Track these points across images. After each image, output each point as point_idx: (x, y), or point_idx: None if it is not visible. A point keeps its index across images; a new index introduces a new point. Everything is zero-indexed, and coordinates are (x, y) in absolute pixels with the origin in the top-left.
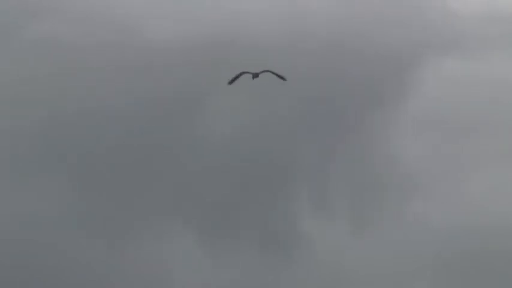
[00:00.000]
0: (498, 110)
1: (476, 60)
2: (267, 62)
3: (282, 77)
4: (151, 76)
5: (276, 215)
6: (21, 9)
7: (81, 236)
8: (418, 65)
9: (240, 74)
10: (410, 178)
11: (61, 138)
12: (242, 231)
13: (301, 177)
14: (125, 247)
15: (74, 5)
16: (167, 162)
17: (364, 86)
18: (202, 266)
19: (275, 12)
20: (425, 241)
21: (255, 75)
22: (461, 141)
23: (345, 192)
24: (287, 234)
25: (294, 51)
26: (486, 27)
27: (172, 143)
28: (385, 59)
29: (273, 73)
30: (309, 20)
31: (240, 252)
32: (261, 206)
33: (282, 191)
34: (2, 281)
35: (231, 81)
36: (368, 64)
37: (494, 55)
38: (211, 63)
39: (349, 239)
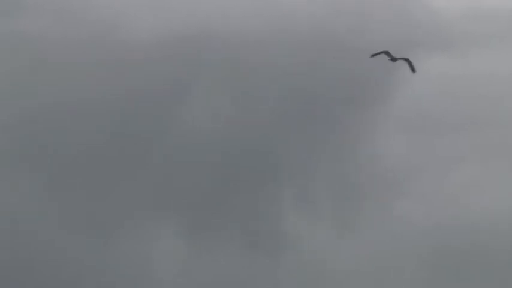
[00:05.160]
0: (483, 107)
1: (462, 58)
2: (252, 57)
3: (413, 69)
4: (134, 71)
5: (261, 213)
6: None
7: (67, 231)
8: (404, 63)
9: (381, 52)
10: (394, 176)
11: (42, 133)
12: (227, 229)
13: (286, 176)
14: (111, 243)
15: (53, 0)
16: (152, 158)
17: (350, 85)
18: (188, 264)
19: (261, 7)
20: (409, 238)
21: (394, 59)
22: (445, 138)
23: (329, 191)
24: (271, 233)
25: (279, 48)
26: (472, 25)
27: (156, 139)
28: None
29: (409, 62)
30: (295, 17)
31: (226, 250)
32: (245, 204)
33: (266, 189)
34: None
35: (373, 55)
36: (354, 62)
37: (480, 53)
38: (194, 58)
39: (333, 238)
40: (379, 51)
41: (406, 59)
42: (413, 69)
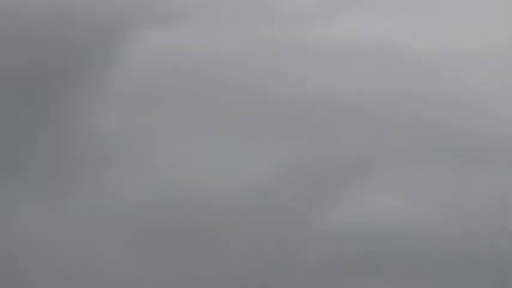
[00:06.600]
0: (197, 82)
1: (179, 33)
2: None
3: None
4: None
5: None
6: None
7: None
8: (123, 36)
9: None
10: (109, 150)
11: None
12: None
13: None
14: None
15: None
16: None
17: (68, 57)
18: None
19: None
20: (120, 212)
21: None
22: (160, 112)
23: (42, 161)
24: None
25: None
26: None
27: None
28: (89, 28)
29: None
30: None
31: None
32: None
33: None
34: None
35: None
36: (71, 35)
37: (196, 27)
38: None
39: (48, 209)
40: None
41: None
42: None
